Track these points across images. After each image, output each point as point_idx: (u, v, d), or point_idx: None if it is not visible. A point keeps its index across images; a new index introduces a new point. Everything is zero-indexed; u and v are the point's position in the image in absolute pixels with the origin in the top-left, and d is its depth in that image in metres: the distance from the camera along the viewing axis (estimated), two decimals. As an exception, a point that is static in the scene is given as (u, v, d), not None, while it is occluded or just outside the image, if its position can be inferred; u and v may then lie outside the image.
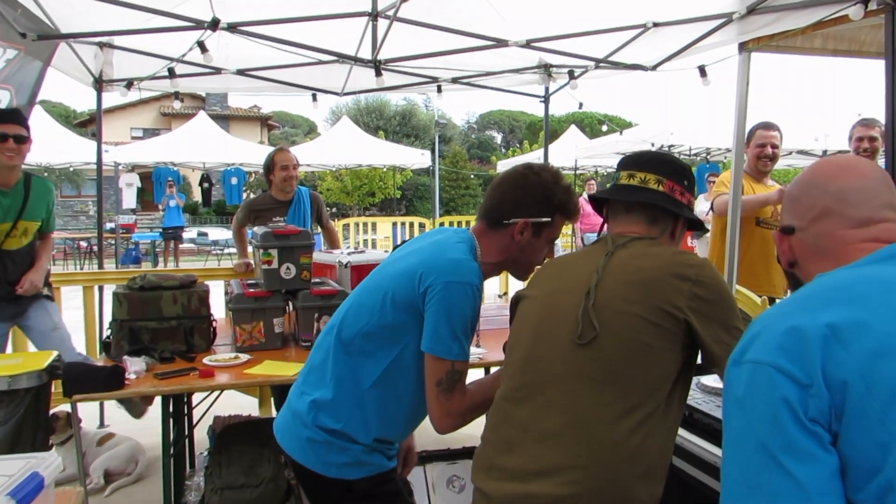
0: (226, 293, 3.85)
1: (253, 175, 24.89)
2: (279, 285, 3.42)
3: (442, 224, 17.94)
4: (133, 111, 31.56)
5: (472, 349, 3.26)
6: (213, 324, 3.44)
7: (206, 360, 3.07)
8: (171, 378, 2.85)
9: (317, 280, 3.65)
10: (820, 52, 4.02)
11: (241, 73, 5.37)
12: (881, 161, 3.61)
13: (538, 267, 1.95)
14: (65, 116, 33.75)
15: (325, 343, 1.95)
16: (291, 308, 3.59)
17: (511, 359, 1.76)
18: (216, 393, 3.46)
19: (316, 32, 4.56)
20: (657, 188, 1.76)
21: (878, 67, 3.22)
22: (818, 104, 14.25)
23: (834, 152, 13.38)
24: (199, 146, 15.22)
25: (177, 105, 5.93)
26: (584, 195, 11.00)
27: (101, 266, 6.42)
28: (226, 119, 32.10)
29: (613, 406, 1.52)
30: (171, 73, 4.81)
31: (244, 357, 3.14)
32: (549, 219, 1.94)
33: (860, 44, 4.02)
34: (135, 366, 2.86)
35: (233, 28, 3.82)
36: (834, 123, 12.93)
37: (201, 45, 3.87)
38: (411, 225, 17.71)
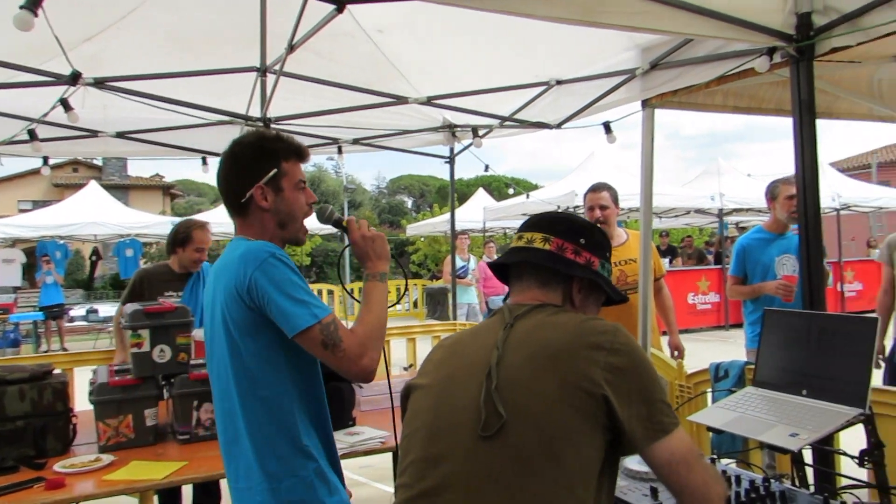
0: (90, 383, 3.33)
1: (154, 246, 23.85)
2: (151, 370, 2.98)
3: (352, 290, 17.52)
4: (21, 182, 29.66)
5: (374, 432, 2.92)
6: (74, 420, 2.94)
7: (56, 467, 2.57)
8: (7, 494, 2.34)
9: (199, 361, 3.20)
10: (721, 109, 4.01)
11: (120, 135, 4.94)
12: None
13: (431, 351, 1.65)
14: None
15: (226, 414, 1.85)
16: (167, 396, 3.12)
17: (404, 464, 1.44)
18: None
19: (202, 90, 4.25)
20: (542, 247, 1.55)
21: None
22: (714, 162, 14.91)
23: (729, 210, 13.95)
24: (89, 217, 14.32)
25: (45, 172, 5.30)
26: (485, 259, 10.93)
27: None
28: (125, 189, 30.77)
29: None
30: (32, 136, 4.29)
31: (107, 459, 2.66)
32: (276, 169, 1.87)
33: (759, 100, 4.05)
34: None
35: (101, 83, 3.43)
36: (728, 184, 13.52)
37: (64, 104, 3.44)
38: (320, 292, 17.21)
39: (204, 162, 5.57)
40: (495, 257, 11.15)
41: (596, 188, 3.94)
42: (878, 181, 17.85)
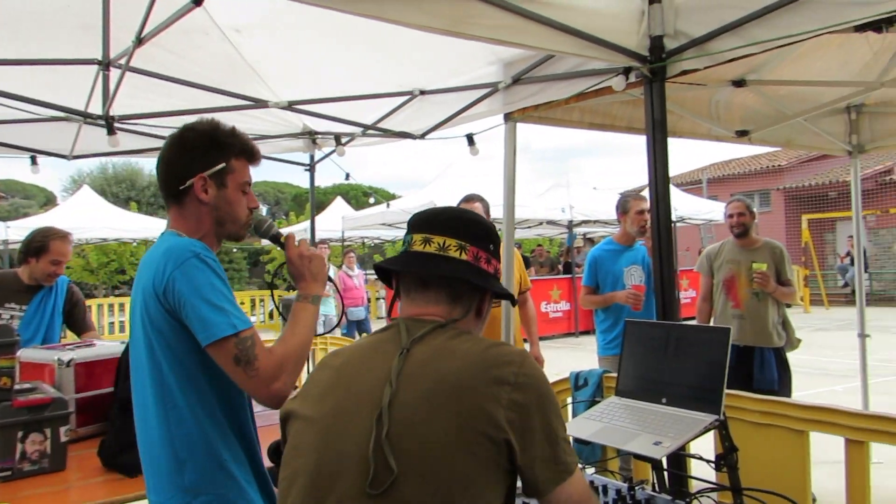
0: None
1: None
2: (-34, 398, 2.60)
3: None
4: None
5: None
6: None
7: None
8: None
9: (25, 385, 2.86)
10: (577, 125, 4.18)
11: (-72, 128, 4.36)
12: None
13: (315, 369, 1.45)
14: None
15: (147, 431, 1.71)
16: (-14, 426, 2.75)
17: None
18: None
19: (31, 82, 3.82)
20: (459, 256, 1.40)
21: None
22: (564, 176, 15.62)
23: (578, 222, 14.69)
24: None
25: None
26: (344, 269, 10.82)
27: None
28: (-64, 189, 27.59)
29: None
30: None
31: None
32: (225, 164, 1.79)
33: (612, 118, 4.25)
34: None
35: None
36: (576, 196, 14.23)
37: None
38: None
39: (33, 161, 5.02)
40: (355, 267, 11.10)
41: (469, 199, 3.95)
42: (707, 196, 19.51)
